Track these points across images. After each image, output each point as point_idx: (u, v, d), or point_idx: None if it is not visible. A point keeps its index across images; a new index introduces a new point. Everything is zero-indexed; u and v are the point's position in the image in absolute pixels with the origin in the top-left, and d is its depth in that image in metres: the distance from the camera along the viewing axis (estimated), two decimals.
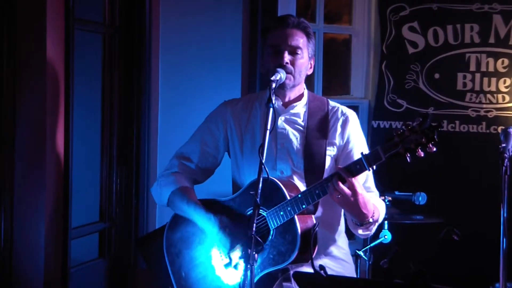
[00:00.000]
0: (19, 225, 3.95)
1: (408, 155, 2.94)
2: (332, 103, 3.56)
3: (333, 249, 3.48)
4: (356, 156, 3.38)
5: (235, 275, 3.29)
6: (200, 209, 3.41)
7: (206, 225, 3.37)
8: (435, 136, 2.87)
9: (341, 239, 3.52)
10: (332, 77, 5.88)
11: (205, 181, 3.67)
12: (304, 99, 3.52)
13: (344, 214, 3.49)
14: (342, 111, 3.52)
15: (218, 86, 4.91)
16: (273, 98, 3.10)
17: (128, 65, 4.76)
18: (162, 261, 3.58)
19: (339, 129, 3.47)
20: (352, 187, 3.08)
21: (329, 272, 3.33)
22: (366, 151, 3.38)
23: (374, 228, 3.36)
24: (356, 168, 3.07)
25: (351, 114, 3.53)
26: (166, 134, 4.93)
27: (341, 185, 3.07)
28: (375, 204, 3.28)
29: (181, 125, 4.87)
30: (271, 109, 3.07)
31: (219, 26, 4.97)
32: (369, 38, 5.76)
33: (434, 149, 2.89)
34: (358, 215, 3.18)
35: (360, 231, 3.33)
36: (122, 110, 4.75)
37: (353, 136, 3.48)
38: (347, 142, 3.47)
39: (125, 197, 4.78)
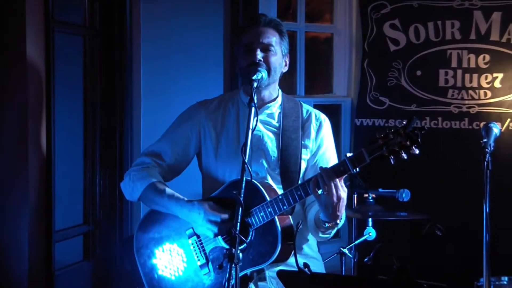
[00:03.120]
0: (2, 229, 3.93)
1: (392, 157, 2.95)
2: (305, 106, 3.60)
3: (305, 248, 3.52)
4: (324, 161, 3.45)
5: (211, 276, 3.30)
6: (181, 199, 3.40)
7: (190, 213, 3.34)
8: (419, 139, 2.89)
9: (311, 237, 3.55)
10: (315, 75, 5.89)
11: (175, 180, 3.65)
12: (279, 100, 3.53)
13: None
14: (316, 116, 3.55)
15: (200, 88, 4.91)
16: (255, 97, 3.10)
17: (109, 68, 4.74)
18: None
19: (313, 133, 3.50)
20: (336, 187, 3.09)
21: None
22: (335, 157, 3.43)
23: (333, 233, 3.38)
24: (340, 169, 3.08)
25: (325, 119, 3.56)
26: (149, 136, 4.91)
27: (327, 183, 3.07)
28: None
29: (164, 127, 4.82)
30: (253, 109, 3.07)
31: (200, 28, 4.97)
32: (350, 36, 5.78)
33: (417, 152, 2.91)
34: (332, 216, 3.18)
35: (320, 234, 3.35)
36: (105, 112, 4.74)
37: (325, 141, 3.52)
38: (319, 147, 3.50)
39: (109, 199, 4.77)
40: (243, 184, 2.95)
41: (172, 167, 3.58)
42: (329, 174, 3.07)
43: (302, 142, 3.46)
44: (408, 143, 2.91)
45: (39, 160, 4.02)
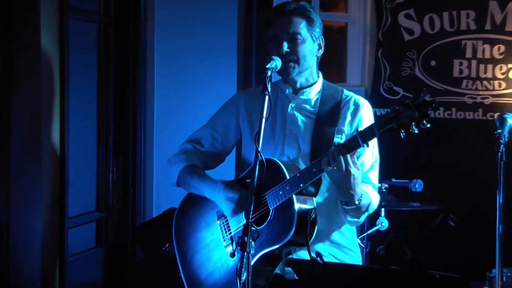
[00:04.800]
0: (16, 215, 3.95)
1: (402, 131, 2.93)
2: (346, 92, 3.55)
3: (336, 236, 3.45)
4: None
5: (235, 257, 3.30)
6: (208, 179, 3.44)
7: (212, 190, 3.38)
8: (428, 112, 2.86)
9: (347, 226, 3.49)
10: (328, 65, 5.86)
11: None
12: (318, 86, 3.50)
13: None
14: (355, 100, 3.50)
15: (214, 77, 4.91)
16: (269, 85, 3.09)
17: (123, 55, 4.75)
18: (159, 250, 3.59)
19: (349, 117, 3.46)
20: (346, 162, 3.08)
21: (333, 260, 3.35)
22: (374, 141, 3.38)
23: (363, 217, 3.35)
24: (351, 144, 3.06)
25: (364, 104, 3.51)
26: (162, 124, 4.93)
27: (336, 158, 3.06)
28: (366, 191, 3.28)
29: (177, 115, 4.87)
30: (267, 97, 3.06)
31: (215, 17, 4.97)
32: (365, 26, 5.75)
33: (428, 125, 2.88)
34: (345, 194, 3.18)
35: (349, 218, 3.34)
36: (118, 100, 4.75)
37: (363, 123, 3.46)
38: (357, 128, 3.46)
39: (122, 186, 4.79)
40: (256, 172, 2.94)
41: (212, 154, 3.61)
42: (339, 149, 3.06)
43: (337, 127, 3.44)
44: (417, 115, 2.88)
45: (52, 146, 4.03)
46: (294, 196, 3.18)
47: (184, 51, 4.94)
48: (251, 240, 2.82)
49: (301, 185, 3.16)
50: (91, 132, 4.65)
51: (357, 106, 3.48)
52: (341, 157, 3.06)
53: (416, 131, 2.88)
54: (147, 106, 4.87)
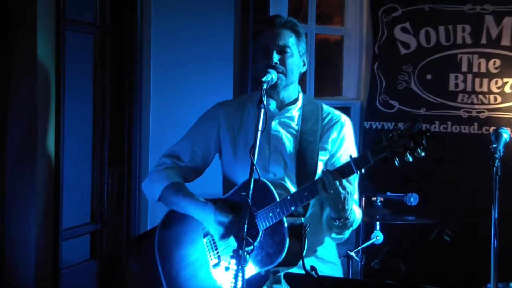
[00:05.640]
0: (10, 226, 3.93)
1: (397, 159, 2.94)
2: (326, 107, 3.56)
3: (320, 251, 3.48)
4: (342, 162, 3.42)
5: (223, 275, 3.30)
6: (196, 199, 3.41)
7: (202, 212, 3.36)
8: (423, 141, 2.88)
9: (329, 241, 3.52)
10: (324, 78, 5.88)
11: (195, 181, 3.67)
12: (299, 103, 3.51)
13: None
14: (336, 117, 3.52)
15: (210, 87, 4.90)
16: (265, 99, 3.10)
17: (119, 66, 4.74)
18: (153, 262, 3.57)
19: (332, 135, 3.48)
20: (342, 186, 3.09)
21: None
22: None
23: (347, 233, 3.37)
24: (345, 171, 3.09)
25: (345, 121, 3.54)
26: (158, 135, 4.92)
27: (332, 184, 3.07)
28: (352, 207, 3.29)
29: (173, 126, 4.86)
30: (263, 110, 3.07)
31: (211, 27, 4.96)
32: (361, 39, 5.77)
33: (423, 154, 2.90)
34: (339, 211, 3.19)
35: (334, 235, 3.35)
36: (114, 110, 4.74)
37: (345, 142, 3.49)
38: (339, 148, 3.48)
39: (116, 198, 4.77)
40: (251, 185, 2.95)
41: (192, 168, 3.59)
42: (334, 175, 3.08)
43: (320, 144, 3.45)
44: (412, 144, 2.89)
45: (47, 158, 4.02)
46: (284, 218, 3.18)
47: (180, 62, 4.93)
48: (245, 254, 2.82)
49: (292, 208, 3.17)
50: (86, 143, 4.63)
51: (339, 125, 3.51)
52: (337, 182, 3.07)
53: (411, 160, 2.91)
54: (143, 117, 4.86)
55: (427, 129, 2.89)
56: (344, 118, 3.54)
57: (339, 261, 3.60)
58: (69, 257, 4.34)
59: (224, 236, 3.30)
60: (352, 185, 3.14)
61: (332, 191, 3.08)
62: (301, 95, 3.54)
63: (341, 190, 3.09)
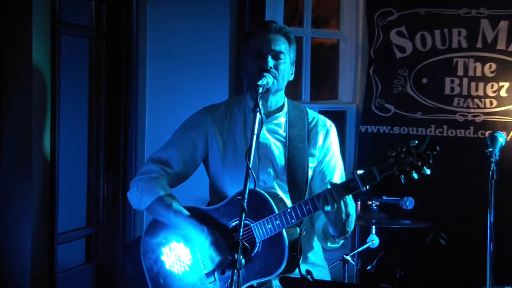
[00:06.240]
0: (5, 230, 3.93)
1: (403, 176, 2.94)
2: (311, 113, 3.58)
3: (310, 256, 3.50)
4: (330, 168, 3.46)
5: (216, 285, 3.30)
6: (191, 219, 3.38)
7: (197, 236, 3.34)
8: (430, 160, 2.88)
9: (316, 244, 3.54)
10: (320, 81, 5.88)
11: (182, 184, 3.65)
12: (285, 109, 3.52)
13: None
14: (322, 123, 3.53)
15: (205, 91, 4.90)
16: (260, 103, 3.09)
17: (115, 70, 4.73)
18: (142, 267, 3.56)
19: (319, 141, 3.49)
20: (345, 204, 3.08)
21: None
22: (340, 163, 3.45)
23: (341, 242, 3.38)
24: (350, 186, 3.07)
25: (330, 126, 3.55)
26: (153, 139, 4.91)
27: (337, 200, 3.06)
28: None
29: (169, 130, 4.82)
30: (258, 114, 3.06)
31: (206, 31, 4.96)
32: (357, 43, 5.77)
33: (428, 172, 2.90)
34: (341, 231, 3.19)
35: (329, 244, 3.35)
36: (109, 114, 4.73)
37: (332, 148, 3.51)
38: (326, 154, 3.49)
39: (112, 202, 4.76)
40: (247, 190, 2.93)
41: (179, 174, 3.57)
42: (339, 191, 3.06)
43: (309, 150, 3.45)
44: (419, 163, 2.90)
45: (43, 162, 4.01)
46: (284, 230, 3.17)
47: (176, 66, 4.93)
48: (241, 257, 2.81)
49: (293, 221, 3.15)
50: (81, 147, 4.62)
51: (325, 131, 3.52)
52: (341, 199, 3.06)
53: (416, 177, 2.91)
54: (139, 121, 4.85)
55: (435, 148, 2.89)
56: (330, 123, 3.56)
57: (326, 263, 3.62)
58: (65, 261, 4.33)
59: (213, 270, 3.30)
60: (354, 206, 3.15)
61: (333, 210, 3.07)
62: (286, 101, 3.55)
63: (344, 209, 3.07)
